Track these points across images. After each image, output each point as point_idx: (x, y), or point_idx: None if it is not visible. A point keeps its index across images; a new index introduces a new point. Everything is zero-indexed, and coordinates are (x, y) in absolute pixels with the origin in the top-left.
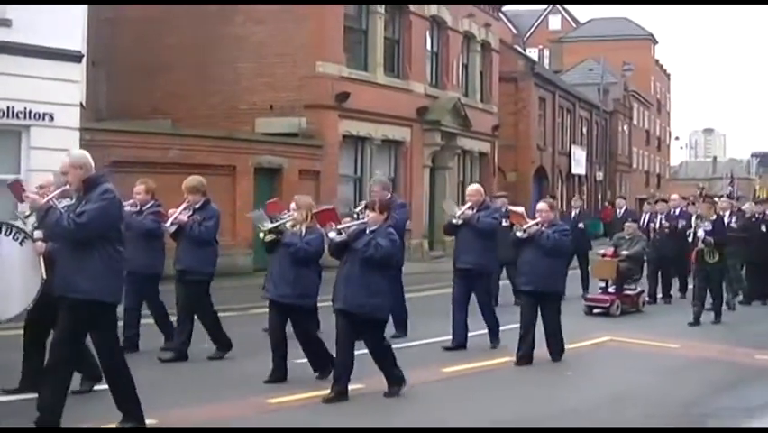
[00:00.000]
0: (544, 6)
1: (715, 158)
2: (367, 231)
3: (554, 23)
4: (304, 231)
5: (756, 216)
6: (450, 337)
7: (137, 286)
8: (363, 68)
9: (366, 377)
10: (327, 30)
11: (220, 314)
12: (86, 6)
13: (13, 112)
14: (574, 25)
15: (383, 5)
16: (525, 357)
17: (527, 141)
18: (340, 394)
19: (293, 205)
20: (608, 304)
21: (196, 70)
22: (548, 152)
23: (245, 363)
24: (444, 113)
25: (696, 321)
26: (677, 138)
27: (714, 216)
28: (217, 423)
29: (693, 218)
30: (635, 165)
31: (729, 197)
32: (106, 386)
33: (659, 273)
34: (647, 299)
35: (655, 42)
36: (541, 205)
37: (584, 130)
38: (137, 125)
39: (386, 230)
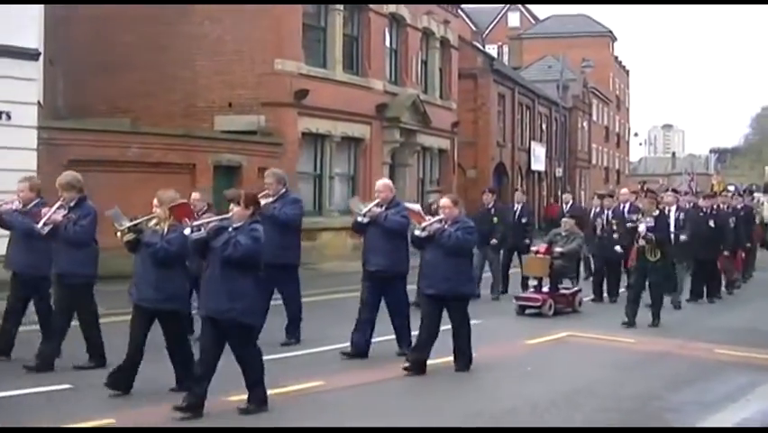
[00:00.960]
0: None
1: (674, 154)
2: (230, 228)
3: (513, 19)
4: (166, 229)
5: (704, 210)
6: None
7: (21, 287)
8: (322, 65)
9: (327, 375)
10: (286, 27)
11: None
12: (42, 5)
13: None
14: (533, 22)
15: None
16: (415, 365)
17: (487, 137)
18: (195, 407)
19: (155, 201)
20: (539, 303)
21: (154, 68)
22: (508, 148)
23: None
24: (404, 110)
25: (631, 322)
26: (636, 134)
27: (656, 212)
28: (176, 421)
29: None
30: (594, 161)
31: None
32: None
33: (605, 271)
34: (593, 297)
35: (614, 39)
36: (444, 201)
37: (544, 126)
38: (95, 124)
39: (249, 227)
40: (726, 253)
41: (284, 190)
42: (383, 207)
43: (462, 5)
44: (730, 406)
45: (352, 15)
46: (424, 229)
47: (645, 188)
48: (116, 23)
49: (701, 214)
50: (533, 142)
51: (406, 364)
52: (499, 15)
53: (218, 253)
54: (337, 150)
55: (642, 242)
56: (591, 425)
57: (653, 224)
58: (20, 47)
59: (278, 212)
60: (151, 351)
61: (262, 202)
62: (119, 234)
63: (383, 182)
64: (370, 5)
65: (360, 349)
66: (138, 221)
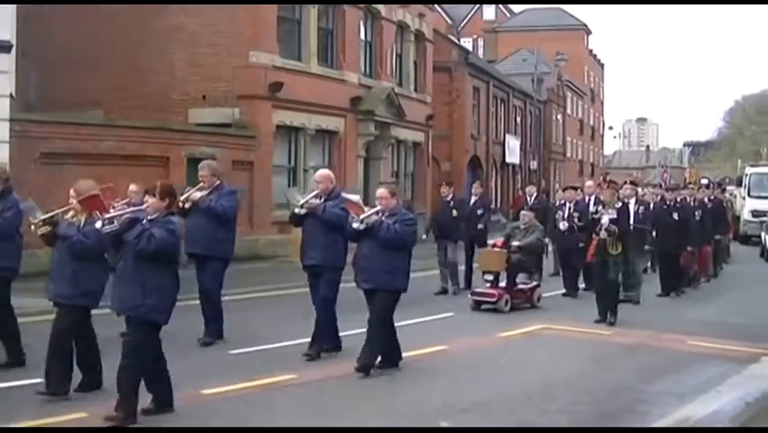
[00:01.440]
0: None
1: (648, 147)
2: (144, 221)
3: (489, 12)
4: (83, 221)
5: (668, 203)
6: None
7: None
8: (297, 58)
9: (300, 368)
10: (260, 20)
11: None
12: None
13: None
14: (508, 15)
15: None
16: (366, 367)
17: (461, 130)
18: (162, 406)
19: (71, 192)
20: (494, 299)
21: (128, 61)
22: (482, 141)
23: (177, 356)
24: (378, 103)
25: (603, 317)
26: (611, 127)
27: (619, 204)
28: (148, 416)
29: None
30: (569, 154)
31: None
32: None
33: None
34: (564, 291)
35: (589, 33)
36: (380, 191)
37: (518, 119)
38: (68, 116)
39: (164, 219)
40: (689, 248)
41: (219, 182)
42: (322, 199)
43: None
44: (702, 397)
45: (326, 8)
46: (362, 221)
47: (608, 180)
48: (91, 16)
49: (665, 207)
50: (507, 135)
51: (356, 365)
52: (474, 9)
53: (131, 246)
54: (312, 142)
55: (603, 234)
56: (565, 417)
57: (615, 216)
58: None
59: (213, 204)
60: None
61: (198, 195)
62: (33, 227)
63: (322, 172)
64: None
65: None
66: (52, 213)
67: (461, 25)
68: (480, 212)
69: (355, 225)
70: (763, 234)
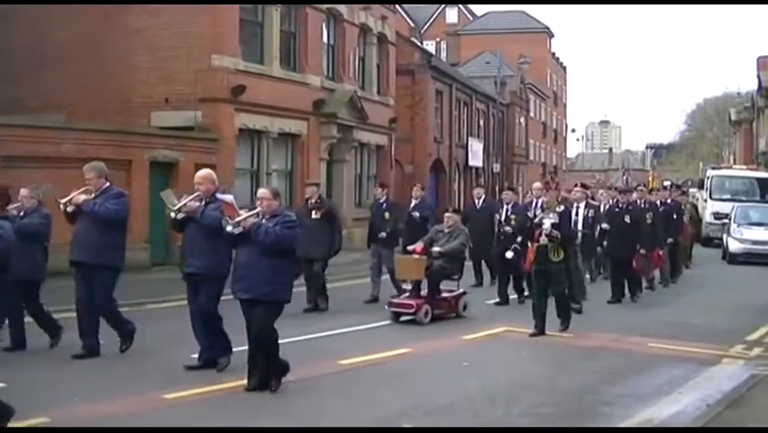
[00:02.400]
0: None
1: (611, 149)
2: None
3: (451, 15)
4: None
5: (620, 206)
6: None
7: None
8: (259, 61)
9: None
10: (223, 23)
11: None
12: None
13: None
14: (471, 18)
15: None
16: (259, 383)
17: (424, 133)
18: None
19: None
20: (413, 310)
21: (89, 63)
22: (445, 144)
23: (140, 360)
24: (341, 106)
25: (540, 331)
26: (573, 130)
27: (561, 207)
28: (111, 420)
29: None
30: (532, 157)
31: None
32: None
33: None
34: (498, 300)
35: (551, 36)
36: (261, 191)
37: (481, 122)
38: (29, 119)
39: None
40: (642, 251)
41: (107, 185)
42: (202, 202)
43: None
44: (663, 399)
45: (289, 11)
46: (237, 224)
47: (555, 182)
48: (51, 18)
49: (616, 210)
50: (470, 138)
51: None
52: (437, 12)
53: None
54: (274, 146)
55: (544, 240)
56: (528, 419)
57: (557, 220)
58: None
59: (98, 208)
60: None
61: (82, 198)
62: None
63: (203, 173)
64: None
65: (208, 357)
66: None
67: (424, 28)
68: (417, 216)
69: (229, 229)
70: (724, 236)
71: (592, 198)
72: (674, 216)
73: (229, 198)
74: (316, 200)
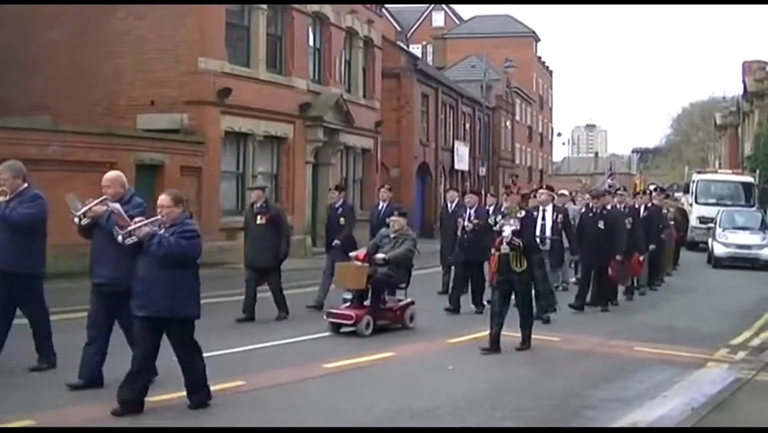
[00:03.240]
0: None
1: (597, 153)
2: None
3: (438, 19)
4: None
5: (593, 211)
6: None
7: None
8: (246, 64)
9: (248, 375)
10: (209, 26)
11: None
12: None
13: None
14: (457, 22)
15: None
16: (128, 404)
17: (410, 137)
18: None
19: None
20: (352, 321)
21: (75, 66)
22: (431, 147)
23: (125, 363)
24: (327, 109)
25: (495, 346)
26: (559, 134)
27: (522, 213)
28: (96, 423)
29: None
30: (517, 161)
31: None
32: None
33: (466, 279)
34: (449, 306)
35: (537, 40)
36: (162, 198)
37: (467, 126)
38: (14, 121)
39: None
40: (618, 257)
41: (24, 186)
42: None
43: (386, 5)
44: (648, 403)
45: (275, 14)
46: (129, 234)
47: (517, 185)
48: (37, 20)
49: (590, 215)
50: (456, 142)
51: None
52: (423, 15)
53: None
54: (260, 148)
55: (505, 248)
56: (512, 423)
57: (518, 227)
58: None
59: (9, 212)
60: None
61: None
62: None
63: (110, 175)
64: (294, 5)
65: (88, 378)
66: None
67: (410, 32)
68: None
69: (119, 240)
70: (709, 240)
71: (573, 202)
72: (655, 221)
73: (116, 206)
74: (262, 205)
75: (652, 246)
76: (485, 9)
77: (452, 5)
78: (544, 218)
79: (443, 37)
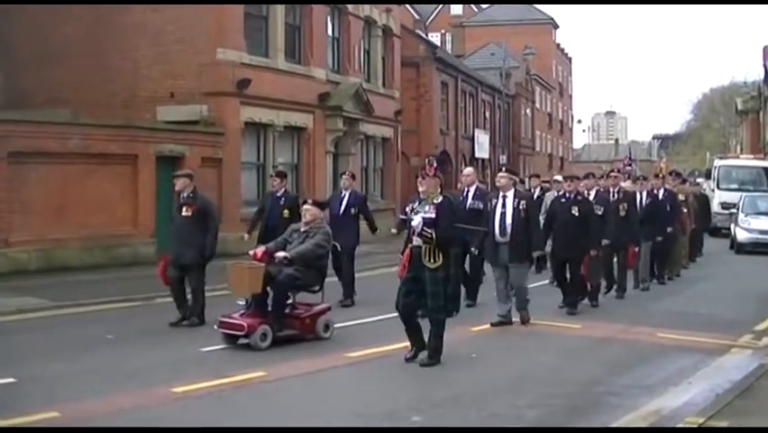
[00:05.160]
0: None
1: (617, 140)
2: None
3: (456, 7)
4: None
5: (567, 196)
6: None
7: None
8: (264, 54)
9: (270, 365)
10: (227, 16)
11: (122, 304)
12: None
13: None
14: (476, 10)
15: None
16: None
17: (430, 125)
18: None
19: None
20: (243, 331)
21: (93, 58)
22: (451, 136)
23: (149, 353)
24: (346, 99)
25: (415, 355)
26: (579, 121)
27: (439, 198)
28: (119, 415)
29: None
30: (538, 148)
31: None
32: None
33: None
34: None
35: (556, 27)
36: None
37: (487, 114)
38: (35, 115)
39: None
40: (592, 252)
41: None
42: None
43: None
44: (672, 389)
45: (293, 5)
46: None
47: (433, 166)
48: (55, 13)
49: (562, 201)
50: (476, 130)
51: None
52: (442, 4)
53: None
54: (280, 139)
55: (417, 240)
56: (535, 411)
57: (433, 214)
58: None
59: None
60: (93, 344)
61: None
62: None
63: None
64: None
65: None
66: None
67: (429, 20)
68: (353, 211)
69: None
70: (732, 226)
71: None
72: (667, 209)
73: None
74: (189, 194)
75: (659, 238)
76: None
77: None
78: (504, 206)
79: (462, 25)
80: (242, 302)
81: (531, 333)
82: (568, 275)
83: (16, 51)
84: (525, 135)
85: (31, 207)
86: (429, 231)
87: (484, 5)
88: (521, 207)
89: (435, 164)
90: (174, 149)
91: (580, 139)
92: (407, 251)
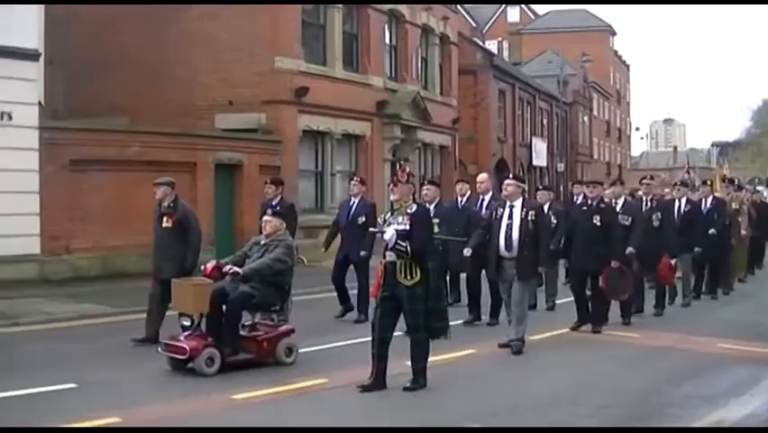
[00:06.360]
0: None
1: (675, 148)
2: None
3: (513, 14)
4: None
5: (589, 203)
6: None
7: None
8: (322, 62)
9: (332, 371)
10: (284, 24)
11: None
12: (41, 5)
13: None
14: (533, 17)
15: None
16: None
17: (487, 133)
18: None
19: None
20: (185, 355)
21: (151, 67)
22: (509, 144)
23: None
24: (404, 106)
25: (379, 383)
26: (637, 128)
27: (413, 208)
28: (180, 421)
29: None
30: (595, 156)
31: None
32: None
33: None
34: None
35: (614, 34)
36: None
37: (544, 121)
38: (95, 123)
39: None
40: (614, 264)
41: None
42: None
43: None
44: (733, 400)
45: (350, 13)
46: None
47: (407, 172)
48: (114, 23)
49: (584, 208)
50: (534, 138)
51: None
52: (498, 11)
53: None
54: (338, 147)
55: (390, 256)
56: (595, 420)
57: (407, 226)
58: (20, 48)
59: None
60: (153, 351)
61: None
62: None
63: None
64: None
65: None
66: None
67: (486, 28)
68: (361, 221)
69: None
70: None
71: (631, 196)
72: (715, 217)
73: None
74: (169, 204)
75: (697, 249)
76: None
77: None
78: (510, 217)
79: (519, 33)
80: (188, 322)
81: (589, 342)
82: (588, 292)
83: (76, 61)
84: (582, 143)
85: (90, 214)
86: (404, 244)
87: (541, 12)
88: (530, 217)
89: (408, 170)
90: (232, 157)
91: (638, 147)
92: (380, 267)
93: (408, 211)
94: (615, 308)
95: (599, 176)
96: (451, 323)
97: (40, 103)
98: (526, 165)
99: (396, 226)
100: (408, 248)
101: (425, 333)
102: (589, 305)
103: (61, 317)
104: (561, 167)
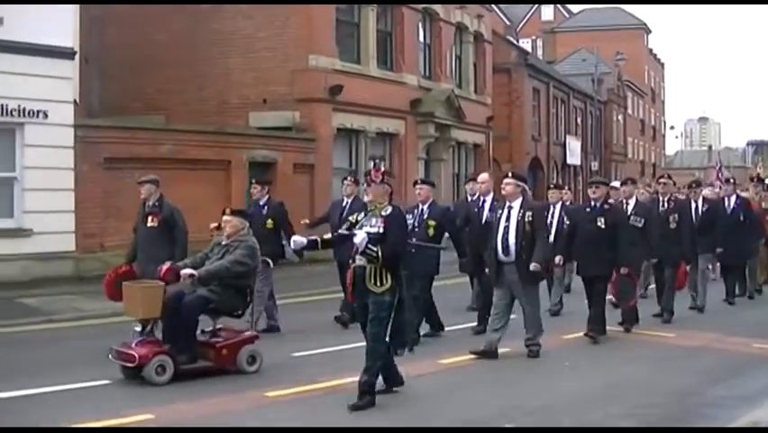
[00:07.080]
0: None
1: (710, 147)
2: None
3: (547, 13)
4: None
5: (594, 204)
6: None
7: None
8: (356, 60)
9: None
10: (318, 23)
11: None
12: (77, 5)
13: (7, 110)
14: (567, 15)
15: None
16: None
17: (521, 132)
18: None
19: None
20: (134, 362)
21: (186, 66)
22: (543, 142)
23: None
24: (438, 105)
25: (368, 402)
26: (672, 127)
27: (388, 209)
28: (213, 418)
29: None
30: (630, 155)
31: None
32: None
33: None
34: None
35: (648, 32)
36: None
37: (578, 120)
38: (130, 121)
39: None
40: (623, 270)
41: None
42: None
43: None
44: None
45: (384, 11)
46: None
47: (382, 172)
48: (149, 21)
49: (587, 210)
50: (568, 136)
51: None
52: (532, 9)
53: None
54: (372, 145)
55: (360, 260)
56: (631, 420)
57: (380, 229)
58: (56, 46)
59: None
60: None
61: None
62: None
63: None
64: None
65: None
66: None
67: (520, 26)
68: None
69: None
70: None
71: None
72: (741, 218)
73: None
74: (154, 203)
75: (719, 249)
76: (594, 4)
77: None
78: (508, 219)
79: (553, 31)
80: (140, 328)
81: (623, 342)
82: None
83: (112, 59)
84: (616, 142)
85: (125, 211)
86: (374, 249)
87: (575, 10)
88: (527, 219)
89: (383, 168)
90: (267, 155)
91: (672, 145)
92: (349, 272)
93: (383, 213)
94: (647, 309)
95: (634, 175)
96: (464, 325)
97: (75, 101)
98: (560, 164)
99: (368, 229)
100: (380, 253)
101: (385, 344)
102: (588, 309)
103: (95, 315)
104: (595, 165)
